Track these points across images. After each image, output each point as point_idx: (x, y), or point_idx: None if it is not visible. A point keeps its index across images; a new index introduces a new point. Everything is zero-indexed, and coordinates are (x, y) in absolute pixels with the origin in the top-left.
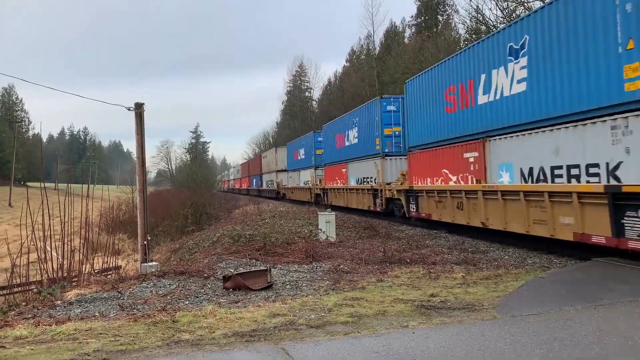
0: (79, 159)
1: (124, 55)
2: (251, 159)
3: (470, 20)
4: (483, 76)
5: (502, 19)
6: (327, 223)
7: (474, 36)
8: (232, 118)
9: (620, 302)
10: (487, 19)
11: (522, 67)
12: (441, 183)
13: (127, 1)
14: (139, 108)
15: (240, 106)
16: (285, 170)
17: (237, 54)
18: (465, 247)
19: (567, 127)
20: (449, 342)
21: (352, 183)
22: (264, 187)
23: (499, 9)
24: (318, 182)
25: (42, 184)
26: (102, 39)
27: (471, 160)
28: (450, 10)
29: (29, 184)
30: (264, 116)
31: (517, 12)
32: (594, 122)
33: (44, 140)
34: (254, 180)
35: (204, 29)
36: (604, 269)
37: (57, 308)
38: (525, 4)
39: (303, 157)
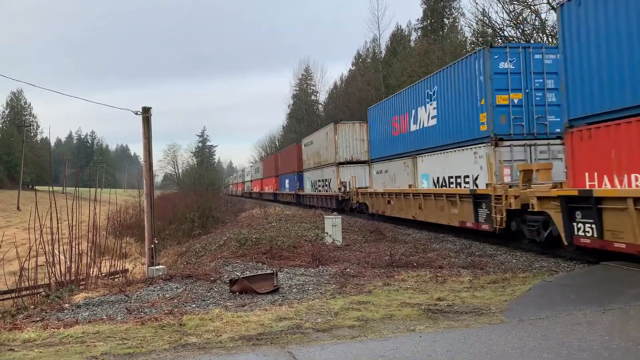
0: (86, 162)
1: (127, 57)
2: (279, 151)
3: (477, 24)
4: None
5: (508, 22)
6: (333, 227)
7: (480, 39)
8: (238, 121)
9: (629, 306)
10: (494, 22)
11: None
12: None
13: (130, 1)
14: (146, 112)
15: (245, 109)
16: (359, 163)
17: (241, 56)
18: (472, 250)
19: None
20: (455, 346)
21: None
22: (308, 190)
23: (506, 12)
24: (522, 180)
25: (51, 188)
26: (106, 40)
27: None
28: (456, 14)
29: (37, 187)
30: (270, 119)
31: (524, 15)
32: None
33: (52, 144)
34: (287, 181)
35: (206, 31)
36: (613, 273)
37: (65, 311)
38: (532, 7)
39: (434, 122)
